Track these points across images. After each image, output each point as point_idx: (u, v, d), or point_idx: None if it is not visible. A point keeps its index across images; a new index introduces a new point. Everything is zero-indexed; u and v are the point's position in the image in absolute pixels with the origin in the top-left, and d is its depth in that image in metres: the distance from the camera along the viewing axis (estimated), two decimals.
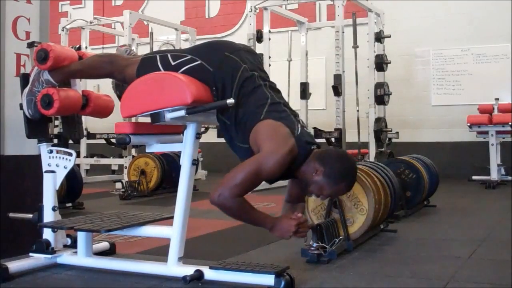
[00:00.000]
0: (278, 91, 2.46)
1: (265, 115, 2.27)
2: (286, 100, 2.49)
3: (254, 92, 2.34)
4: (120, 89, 2.83)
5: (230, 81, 2.33)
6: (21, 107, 2.71)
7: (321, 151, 2.32)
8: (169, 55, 2.46)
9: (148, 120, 2.45)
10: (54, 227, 2.60)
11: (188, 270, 2.35)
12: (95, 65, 2.65)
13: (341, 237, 2.93)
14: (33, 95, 2.67)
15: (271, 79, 2.51)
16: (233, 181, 2.17)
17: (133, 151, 7.49)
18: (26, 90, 2.70)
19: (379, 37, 7.21)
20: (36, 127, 2.73)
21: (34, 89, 2.67)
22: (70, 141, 2.97)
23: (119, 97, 2.79)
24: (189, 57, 2.42)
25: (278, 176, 2.25)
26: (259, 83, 2.38)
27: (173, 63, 2.42)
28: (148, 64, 2.48)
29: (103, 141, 7.91)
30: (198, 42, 7.80)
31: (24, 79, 2.75)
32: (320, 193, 2.30)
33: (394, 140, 7.48)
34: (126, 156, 7.17)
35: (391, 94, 7.12)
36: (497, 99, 7.36)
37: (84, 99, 2.79)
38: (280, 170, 2.20)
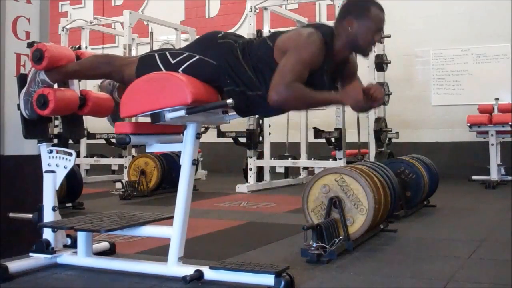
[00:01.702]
0: None
1: (272, 41, 2.32)
2: None
3: (252, 46, 2.39)
4: (116, 93, 2.83)
5: (236, 61, 2.35)
6: (18, 108, 2.71)
7: (336, 17, 2.39)
8: (167, 53, 2.47)
9: (148, 120, 2.45)
10: (54, 227, 2.60)
11: (188, 270, 2.35)
12: (93, 65, 2.65)
13: (341, 237, 2.93)
14: (29, 95, 2.66)
15: None
16: (281, 75, 2.20)
17: (133, 151, 7.49)
18: (23, 90, 2.70)
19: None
20: (34, 127, 2.72)
21: (31, 89, 2.67)
22: (70, 141, 2.97)
23: (115, 101, 2.80)
24: (186, 54, 2.43)
25: (319, 60, 2.26)
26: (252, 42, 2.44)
27: (172, 61, 2.43)
28: (147, 63, 2.48)
29: (103, 141, 7.91)
30: None
31: (22, 79, 2.75)
32: (371, 35, 2.31)
33: (394, 140, 7.47)
34: (126, 156, 7.18)
35: (391, 94, 7.12)
36: (497, 99, 7.36)
37: (82, 99, 2.79)
38: (317, 50, 2.24)
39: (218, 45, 2.41)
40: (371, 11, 2.32)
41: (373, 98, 2.23)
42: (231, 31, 10.13)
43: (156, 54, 2.49)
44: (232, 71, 2.35)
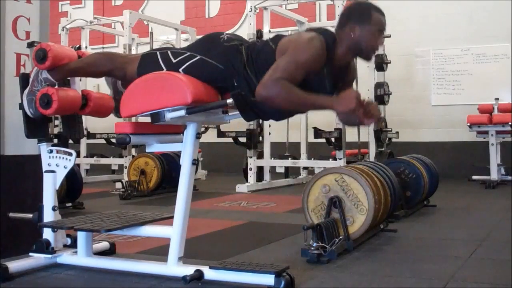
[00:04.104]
0: None
1: (274, 44, 2.33)
2: None
3: (256, 48, 2.39)
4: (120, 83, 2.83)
5: (240, 65, 2.34)
6: (20, 107, 2.72)
7: (337, 23, 2.38)
8: (169, 52, 2.47)
9: (148, 120, 2.45)
10: (54, 227, 2.60)
11: (188, 270, 2.35)
12: (95, 62, 2.65)
13: (341, 237, 2.93)
14: (33, 94, 2.67)
15: None
16: (272, 71, 2.19)
17: (133, 151, 7.49)
18: (27, 90, 2.70)
19: None
20: (36, 127, 2.73)
21: (34, 88, 2.67)
22: (70, 141, 2.97)
23: (115, 98, 2.80)
24: (188, 54, 2.43)
25: (318, 64, 2.24)
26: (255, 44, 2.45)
27: (174, 61, 2.43)
28: (149, 61, 2.48)
29: (103, 141, 7.91)
30: None
31: (24, 79, 2.75)
32: (374, 39, 2.32)
33: (394, 140, 7.47)
34: (126, 156, 7.18)
35: (391, 94, 7.12)
36: (497, 99, 7.35)
37: (83, 98, 2.79)
38: (316, 54, 2.22)
39: (224, 48, 2.40)
40: (373, 15, 2.33)
41: (369, 114, 2.13)
42: (231, 31, 10.21)
43: (158, 53, 2.49)
44: (237, 74, 2.35)
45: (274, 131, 7.32)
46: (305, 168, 7.74)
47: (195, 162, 2.49)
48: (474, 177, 7.17)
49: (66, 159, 2.70)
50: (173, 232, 2.43)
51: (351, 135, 6.78)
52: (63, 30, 8.30)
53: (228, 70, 2.36)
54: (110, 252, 2.92)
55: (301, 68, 2.20)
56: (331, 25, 7.13)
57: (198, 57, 2.41)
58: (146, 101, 2.39)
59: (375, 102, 2.33)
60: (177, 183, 2.48)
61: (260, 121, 7.15)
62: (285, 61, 2.21)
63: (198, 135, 2.50)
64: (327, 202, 3.03)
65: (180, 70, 2.40)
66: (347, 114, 2.11)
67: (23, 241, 2.80)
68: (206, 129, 7.55)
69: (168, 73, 2.39)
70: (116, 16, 8.56)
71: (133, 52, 7.88)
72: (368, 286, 2.38)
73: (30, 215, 2.80)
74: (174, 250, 2.42)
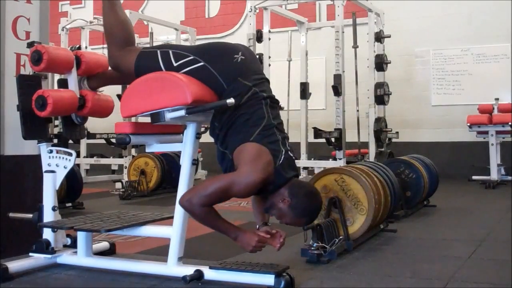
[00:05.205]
0: (275, 107, 2.47)
1: (255, 136, 2.29)
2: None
3: (254, 108, 2.34)
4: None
5: (239, 97, 2.33)
6: (18, 108, 2.71)
7: (295, 182, 2.35)
8: (170, 53, 2.43)
9: (148, 120, 2.45)
10: (54, 227, 2.60)
11: (188, 270, 2.35)
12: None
13: (341, 237, 2.93)
14: None
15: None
16: (204, 191, 2.28)
17: (133, 151, 7.49)
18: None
19: (379, 37, 7.20)
20: (33, 128, 2.73)
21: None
22: (70, 141, 2.97)
23: (93, 88, 2.83)
24: (191, 57, 2.40)
25: (246, 196, 2.33)
26: (260, 101, 2.37)
27: (175, 64, 2.40)
28: (148, 57, 2.46)
29: (103, 141, 7.90)
30: (198, 42, 7.82)
31: (21, 80, 2.75)
32: (279, 219, 2.38)
33: (394, 140, 7.47)
34: (126, 156, 7.17)
35: (391, 94, 7.12)
36: (497, 99, 7.35)
37: (81, 99, 2.78)
38: (249, 193, 2.30)
39: (233, 68, 2.37)
40: (299, 218, 2.36)
41: (275, 241, 2.38)
42: (231, 31, 10.22)
43: (158, 51, 2.46)
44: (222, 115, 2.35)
45: None
46: (305, 168, 7.73)
47: (195, 162, 2.49)
48: (474, 177, 7.17)
49: (66, 159, 2.70)
50: (173, 232, 2.43)
51: (351, 135, 6.78)
52: (63, 30, 8.30)
53: (226, 87, 2.34)
54: (110, 252, 2.92)
55: (229, 196, 2.31)
56: (331, 25, 7.16)
57: (201, 63, 2.38)
58: (146, 101, 2.39)
59: (282, 235, 2.41)
60: (177, 183, 2.49)
61: None
62: (221, 188, 2.26)
63: (198, 135, 2.50)
64: (327, 202, 3.03)
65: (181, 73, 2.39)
66: (246, 248, 2.36)
67: (23, 241, 2.80)
68: (206, 129, 7.48)
69: (168, 73, 2.39)
70: None
71: None
72: (368, 286, 2.38)
73: (30, 215, 2.79)
74: (174, 250, 2.42)
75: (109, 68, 2.71)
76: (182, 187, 2.45)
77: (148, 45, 8.10)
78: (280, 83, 7.58)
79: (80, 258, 2.65)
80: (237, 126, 2.32)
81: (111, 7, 2.57)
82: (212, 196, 2.27)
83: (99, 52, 2.76)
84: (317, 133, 6.62)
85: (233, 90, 2.33)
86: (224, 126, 2.34)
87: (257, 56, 3.34)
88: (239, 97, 2.31)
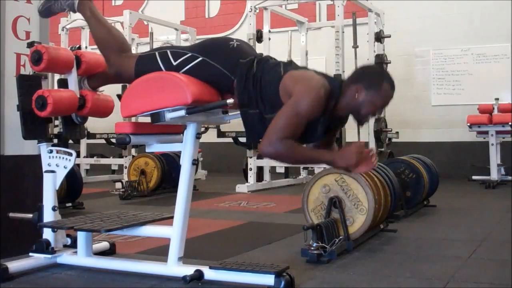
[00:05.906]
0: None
1: (284, 70, 2.30)
2: None
3: (267, 64, 2.37)
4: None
5: (246, 78, 2.33)
6: (18, 108, 2.71)
7: (348, 77, 2.36)
8: (169, 53, 2.44)
9: (148, 120, 2.45)
10: (54, 227, 2.60)
11: (188, 270, 2.35)
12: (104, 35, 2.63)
13: (341, 237, 2.93)
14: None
15: None
16: (276, 127, 2.20)
17: (133, 151, 7.49)
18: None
19: (379, 37, 7.21)
20: (33, 128, 2.72)
21: None
22: (70, 141, 2.97)
23: (93, 88, 2.84)
24: (189, 54, 2.41)
25: (318, 114, 2.23)
26: (268, 60, 2.41)
27: (174, 63, 2.41)
28: (147, 60, 2.47)
29: (103, 141, 7.91)
30: None
31: (21, 80, 2.75)
32: (374, 109, 2.32)
33: (394, 140, 7.47)
34: (126, 156, 7.17)
35: None
36: (497, 99, 7.35)
37: (81, 99, 2.78)
38: (319, 105, 2.21)
39: (231, 54, 2.39)
40: (382, 87, 2.32)
41: (368, 164, 2.26)
42: (231, 31, 10.22)
43: (156, 53, 2.47)
44: (240, 83, 2.33)
45: None
46: (305, 168, 7.73)
47: (195, 162, 2.49)
48: (474, 177, 7.17)
49: (66, 159, 2.70)
50: (173, 232, 2.43)
51: (351, 135, 6.77)
52: (63, 30, 8.30)
53: (231, 76, 2.35)
54: (110, 252, 2.92)
55: (304, 120, 2.22)
56: (331, 25, 7.17)
57: (200, 58, 2.39)
58: (146, 101, 2.39)
59: (375, 152, 2.34)
60: (177, 183, 2.48)
61: None
62: (289, 114, 2.20)
63: (198, 135, 2.50)
64: (327, 202, 3.03)
65: (181, 72, 2.39)
66: (346, 168, 2.27)
67: (23, 241, 2.80)
68: (206, 129, 7.55)
69: (168, 73, 2.39)
70: (116, 16, 8.54)
71: (133, 52, 7.88)
72: (368, 286, 2.38)
73: (30, 215, 2.79)
74: (174, 250, 2.42)
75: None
76: (182, 187, 2.45)
77: (148, 45, 8.14)
78: None
79: (80, 258, 2.65)
80: (265, 82, 2.30)
81: (97, 21, 2.65)
82: (288, 126, 2.19)
83: (99, 52, 2.74)
84: None
85: (240, 74, 2.33)
86: (253, 95, 2.31)
87: None
88: (250, 70, 2.32)
